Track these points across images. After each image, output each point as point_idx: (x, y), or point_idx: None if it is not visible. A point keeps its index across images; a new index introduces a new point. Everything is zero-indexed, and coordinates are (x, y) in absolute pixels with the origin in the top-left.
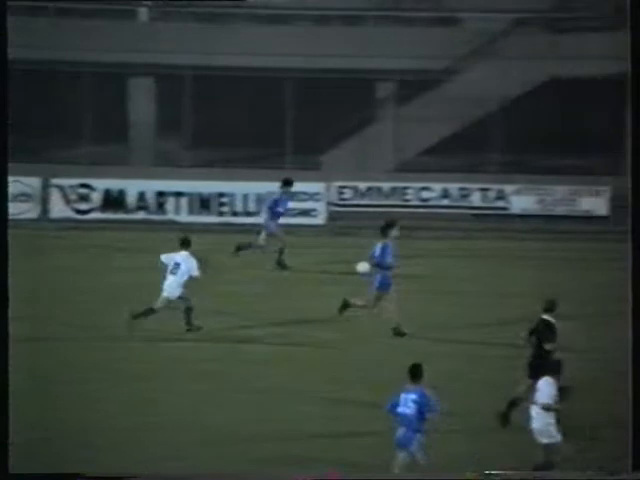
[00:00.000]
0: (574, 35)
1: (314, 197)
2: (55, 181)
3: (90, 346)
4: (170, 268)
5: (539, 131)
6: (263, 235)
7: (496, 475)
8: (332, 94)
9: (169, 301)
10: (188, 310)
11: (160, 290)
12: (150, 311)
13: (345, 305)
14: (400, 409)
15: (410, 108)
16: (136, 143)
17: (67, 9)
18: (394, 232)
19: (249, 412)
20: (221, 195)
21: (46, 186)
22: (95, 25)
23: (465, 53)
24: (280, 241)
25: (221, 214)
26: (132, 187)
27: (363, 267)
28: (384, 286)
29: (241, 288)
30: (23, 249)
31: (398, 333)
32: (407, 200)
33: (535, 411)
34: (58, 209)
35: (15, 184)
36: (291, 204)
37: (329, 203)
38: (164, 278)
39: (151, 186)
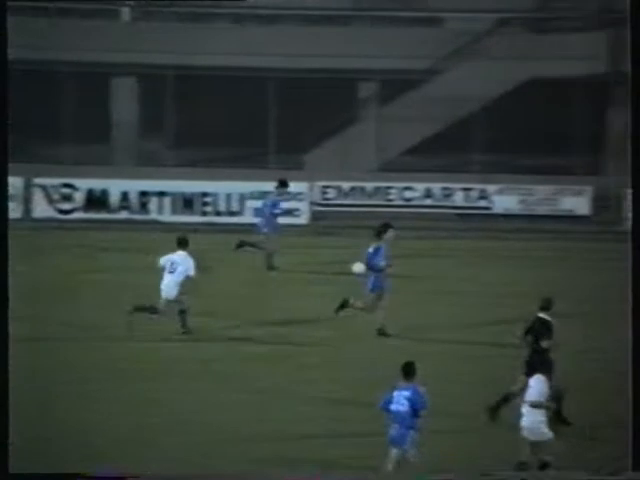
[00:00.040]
0: (556, 35)
1: (297, 197)
2: (38, 181)
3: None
4: (168, 268)
5: (521, 131)
6: (276, 235)
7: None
8: (315, 94)
9: (169, 301)
10: (182, 312)
11: (149, 290)
12: (153, 309)
13: (343, 305)
14: (393, 406)
15: (393, 108)
16: (119, 143)
17: (48, 9)
18: (389, 234)
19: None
20: (204, 195)
21: (29, 186)
22: (77, 25)
23: (447, 53)
24: (274, 242)
25: (204, 214)
26: (115, 187)
27: (358, 268)
28: (376, 288)
29: (228, 288)
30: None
31: (382, 333)
32: (390, 200)
33: (525, 408)
34: (41, 209)
35: None
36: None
37: (312, 203)
38: (161, 278)
39: (134, 186)
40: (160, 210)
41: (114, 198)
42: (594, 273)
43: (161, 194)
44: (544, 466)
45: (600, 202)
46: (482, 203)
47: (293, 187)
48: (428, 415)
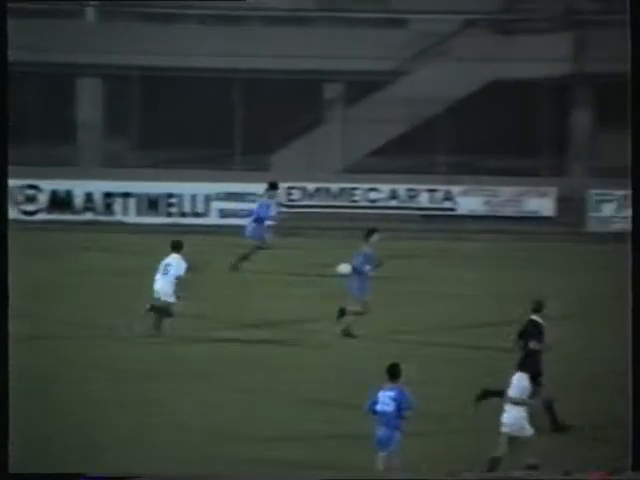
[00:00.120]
0: (522, 37)
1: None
2: None
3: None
4: (162, 270)
5: (486, 132)
6: (270, 236)
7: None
8: (280, 95)
9: (168, 303)
10: (164, 313)
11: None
12: (166, 311)
13: (341, 313)
14: (379, 407)
15: (358, 109)
16: (83, 144)
17: (13, 9)
18: (374, 238)
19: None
20: (169, 196)
21: None
22: (41, 24)
23: (413, 54)
24: (257, 247)
25: (169, 215)
26: (79, 188)
27: (344, 269)
28: (362, 290)
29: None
30: None
31: (348, 334)
32: (355, 201)
33: (507, 405)
34: None
35: None
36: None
37: (277, 204)
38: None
39: (99, 187)
40: (125, 211)
41: (78, 199)
42: (560, 274)
43: (126, 195)
44: (532, 468)
45: (564, 203)
46: (447, 204)
47: (258, 188)
48: (412, 416)
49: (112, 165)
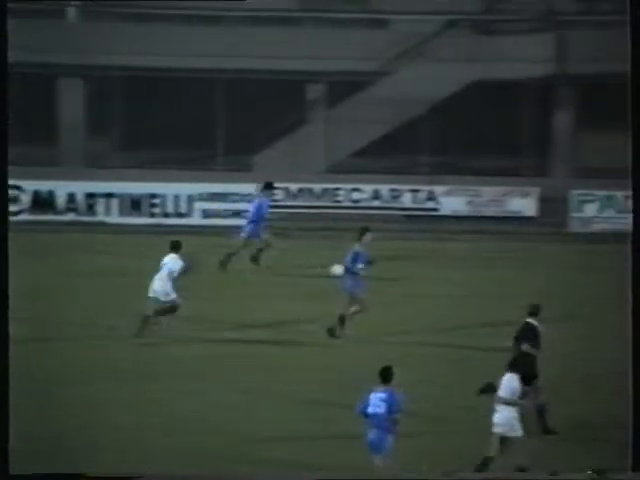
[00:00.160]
0: (504, 37)
1: (245, 198)
2: None
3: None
4: (160, 270)
5: (469, 133)
6: (267, 235)
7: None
8: (263, 95)
9: (160, 301)
10: (156, 314)
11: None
12: (172, 309)
13: (342, 320)
14: (370, 409)
15: (341, 110)
16: (65, 144)
17: None
18: (366, 238)
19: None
20: (152, 196)
21: None
22: (23, 24)
23: (395, 55)
24: (253, 245)
25: (152, 215)
26: (62, 189)
27: (337, 270)
28: (357, 289)
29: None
30: None
31: (332, 335)
32: (338, 201)
33: (498, 405)
34: None
35: None
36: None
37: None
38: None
39: (81, 187)
40: (107, 212)
41: (61, 200)
42: (543, 274)
43: (108, 196)
44: (522, 470)
45: (547, 203)
46: (430, 204)
47: (241, 188)
48: (402, 418)
49: (95, 166)
